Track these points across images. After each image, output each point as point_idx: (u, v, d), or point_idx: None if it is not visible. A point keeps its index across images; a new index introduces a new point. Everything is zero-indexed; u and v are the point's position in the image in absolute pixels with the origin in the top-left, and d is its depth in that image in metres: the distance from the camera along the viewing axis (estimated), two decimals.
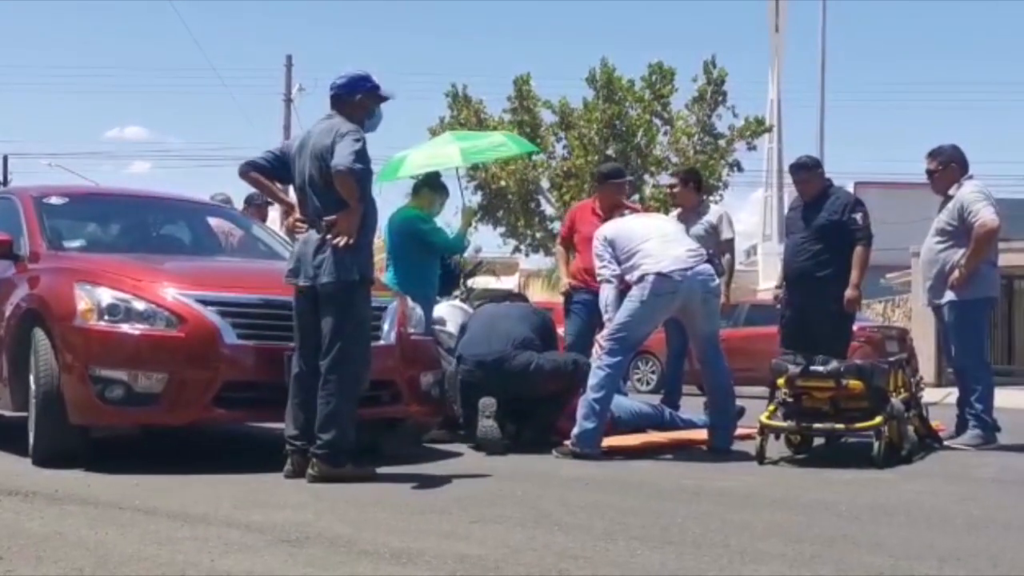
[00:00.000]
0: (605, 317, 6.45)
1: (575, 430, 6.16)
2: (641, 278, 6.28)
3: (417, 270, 7.39)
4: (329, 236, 5.08)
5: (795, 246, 7.42)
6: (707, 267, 6.43)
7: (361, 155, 5.05)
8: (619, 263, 6.43)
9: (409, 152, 9.07)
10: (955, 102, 78.88)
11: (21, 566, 3.19)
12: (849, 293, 7.17)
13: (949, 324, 7.03)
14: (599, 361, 6.28)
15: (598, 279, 6.62)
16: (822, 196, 7.39)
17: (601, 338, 6.39)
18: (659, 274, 6.23)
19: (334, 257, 5.07)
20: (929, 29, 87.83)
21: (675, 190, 8.31)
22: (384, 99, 5.46)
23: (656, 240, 6.44)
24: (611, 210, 7.73)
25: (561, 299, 8.28)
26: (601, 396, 6.18)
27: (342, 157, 4.99)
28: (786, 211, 7.92)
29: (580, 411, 6.18)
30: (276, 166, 5.45)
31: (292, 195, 5.66)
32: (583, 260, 7.78)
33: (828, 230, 7.23)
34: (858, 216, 7.25)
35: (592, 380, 6.23)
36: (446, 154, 8.84)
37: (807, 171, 7.50)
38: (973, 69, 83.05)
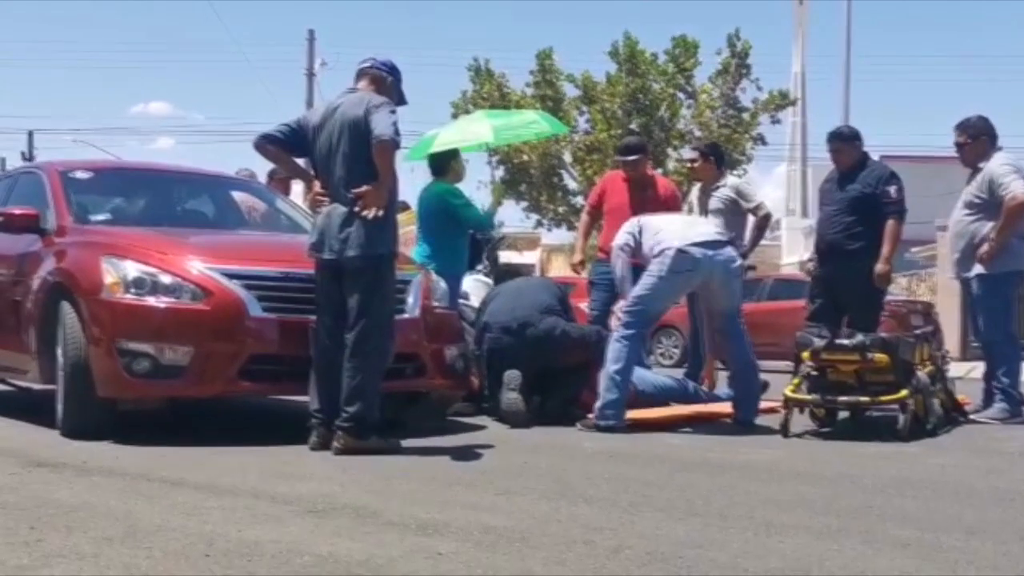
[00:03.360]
0: (620, 290, 6.47)
1: (598, 403, 6.17)
2: (661, 252, 6.28)
3: (448, 244, 7.40)
4: (357, 208, 5.08)
5: (827, 218, 7.36)
6: (730, 249, 6.44)
7: (398, 127, 5.06)
8: (641, 246, 6.44)
9: (440, 131, 9.05)
10: (982, 74, 78.12)
11: (52, 536, 3.22)
12: (879, 268, 7.07)
13: (977, 297, 6.98)
14: (616, 333, 6.29)
15: (613, 245, 6.61)
16: (857, 168, 7.28)
17: (619, 309, 6.39)
18: (679, 250, 6.22)
19: (362, 230, 5.07)
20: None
21: (695, 164, 8.26)
22: (401, 100, 5.48)
23: (681, 221, 6.55)
24: (640, 182, 7.72)
25: (583, 274, 8.29)
26: (620, 367, 6.17)
27: (385, 127, 4.99)
28: (821, 183, 7.83)
29: (601, 384, 6.19)
30: (292, 139, 5.42)
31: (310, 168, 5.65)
32: (611, 230, 7.76)
33: (860, 202, 7.13)
34: (891, 189, 7.14)
35: (610, 353, 6.23)
36: (477, 131, 8.82)
37: (841, 140, 7.39)
38: (1001, 40, 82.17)
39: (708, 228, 6.49)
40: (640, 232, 6.50)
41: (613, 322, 6.40)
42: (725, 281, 6.41)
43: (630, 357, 6.28)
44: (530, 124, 9.67)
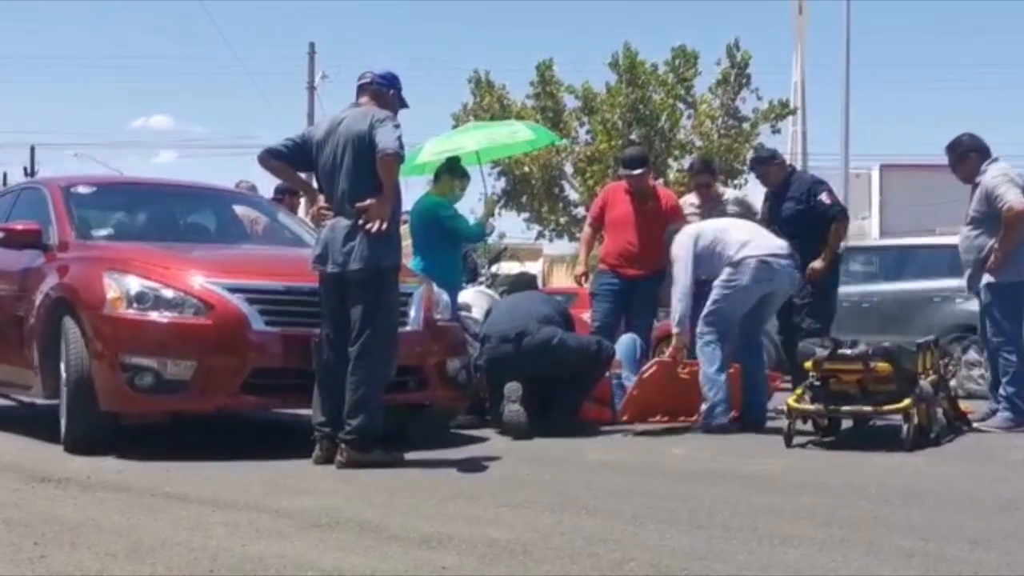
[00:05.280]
0: (675, 330, 6.73)
1: (704, 405, 6.47)
2: (741, 261, 6.52)
3: (442, 257, 7.38)
4: (361, 222, 5.08)
5: None
6: (793, 262, 6.77)
7: (402, 141, 5.09)
8: (702, 255, 6.70)
9: (425, 144, 9.09)
10: (983, 81, 78.04)
11: (55, 551, 3.23)
12: (816, 263, 7.32)
13: (984, 305, 7.00)
14: (701, 339, 6.59)
15: (674, 285, 6.78)
16: (784, 185, 7.62)
17: (700, 322, 6.64)
18: (761, 260, 6.51)
19: (366, 244, 5.08)
20: (956, 7, 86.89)
21: (712, 188, 8.14)
22: (404, 106, 5.53)
23: (750, 230, 6.81)
24: (642, 193, 7.72)
25: (587, 286, 8.27)
26: (715, 368, 6.50)
27: (389, 141, 5.02)
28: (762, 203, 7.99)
29: (703, 388, 6.50)
30: (296, 153, 5.44)
31: (314, 182, 5.66)
32: (613, 242, 7.77)
33: (795, 219, 7.44)
34: (822, 196, 7.52)
35: (702, 357, 6.56)
36: (462, 142, 8.84)
37: (762, 164, 7.80)
38: (1002, 47, 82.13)
39: (782, 241, 6.82)
40: (712, 244, 6.70)
41: (697, 335, 6.66)
42: (785, 293, 6.82)
43: (721, 356, 6.55)
44: (515, 133, 9.67)
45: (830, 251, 7.43)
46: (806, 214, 7.44)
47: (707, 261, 6.72)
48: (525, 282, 7.85)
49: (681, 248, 6.79)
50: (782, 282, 6.70)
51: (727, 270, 6.59)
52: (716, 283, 6.61)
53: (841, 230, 7.53)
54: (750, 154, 26.27)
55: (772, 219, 7.61)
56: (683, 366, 6.82)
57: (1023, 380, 6.88)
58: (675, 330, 6.75)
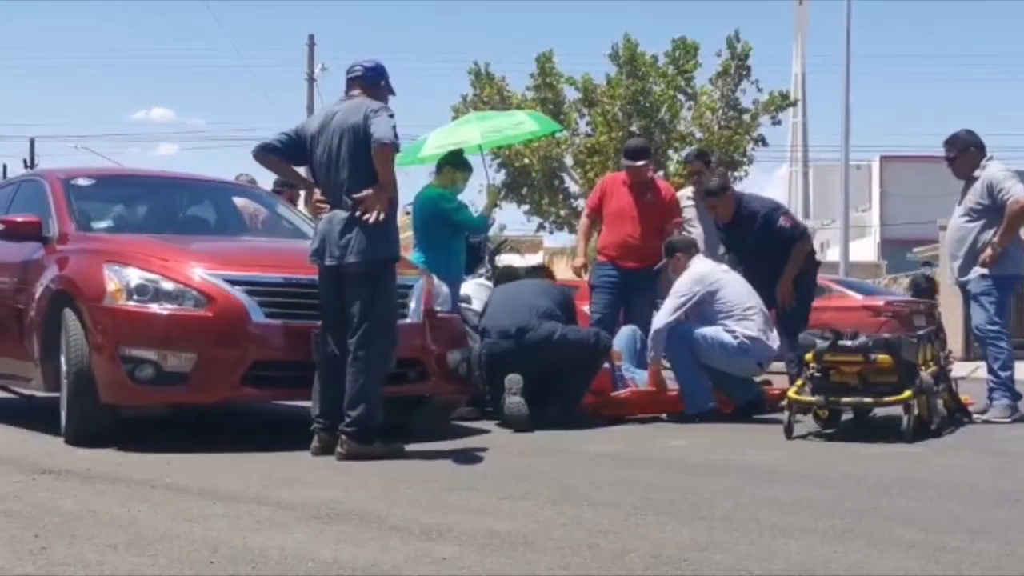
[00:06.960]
0: (649, 355, 6.99)
1: (684, 396, 6.79)
2: (755, 342, 6.78)
3: (444, 249, 7.37)
4: (358, 213, 5.08)
5: (748, 265, 7.51)
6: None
7: (396, 131, 5.08)
8: (707, 310, 6.90)
9: (430, 135, 9.06)
10: (983, 73, 77.98)
11: (56, 543, 3.23)
12: (781, 288, 7.38)
13: (974, 295, 7.02)
14: (672, 339, 6.84)
15: (669, 308, 6.90)
16: (738, 215, 7.52)
17: (700, 333, 6.81)
18: (774, 351, 6.96)
19: (363, 236, 5.07)
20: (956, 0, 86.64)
21: (705, 179, 8.12)
22: (391, 93, 5.53)
23: (764, 316, 6.98)
24: (642, 185, 7.71)
25: (585, 277, 8.26)
26: (689, 361, 6.83)
27: (385, 131, 5.01)
28: (717, 230, 7.92)
29: (680, 379, 6.89)
30: (291, 147, 5.44)
31: (308, 176, 5.66)
32: (612, 234, 7.76)
33: (759, 252, 7.43)
34: (781, 222, 7.51)
35: (675, 358, 6.91)
36: (466, 134, 8.81)
37: (714, 197, 7.61)
38: (1001, 39, 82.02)
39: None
40: (721, 310, 6.88)
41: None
42: None
43: (687, 348, 6.86)
44: (519, 124, 9.63)
45: (792, 270, 7.42)
46: (769, 244, 7.42)
47: (705, 315, 6.92)
48: (511, 274, 7.84)
49: (692, 285, 6.94)
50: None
51: (739, 342, 6.75)
52: (728, 335, 6.77)
53: (802, 250, 7.55)
54: (751, 146, 26.40)
55: (731, 249, 7.68)
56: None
57: (1012, 363, 6.97)
58: (650, 356, 7.00)
